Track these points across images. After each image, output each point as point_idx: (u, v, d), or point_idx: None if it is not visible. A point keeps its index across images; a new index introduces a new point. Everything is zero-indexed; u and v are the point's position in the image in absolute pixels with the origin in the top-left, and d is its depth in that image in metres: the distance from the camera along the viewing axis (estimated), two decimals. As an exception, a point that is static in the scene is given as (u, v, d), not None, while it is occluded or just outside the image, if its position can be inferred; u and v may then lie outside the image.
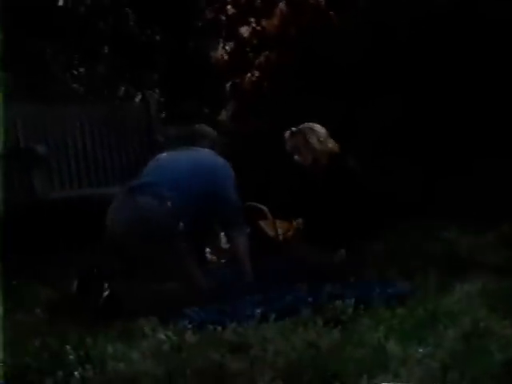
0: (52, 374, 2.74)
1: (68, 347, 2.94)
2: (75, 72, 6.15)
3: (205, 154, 3.89)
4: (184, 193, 3.61)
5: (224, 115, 6.30)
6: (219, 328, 3.15)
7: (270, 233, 4.23)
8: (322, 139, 4.27)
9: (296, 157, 4.31)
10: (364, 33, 5.75)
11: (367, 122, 5.56)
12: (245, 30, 6.31)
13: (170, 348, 2.98)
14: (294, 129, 4.34)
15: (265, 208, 4.18)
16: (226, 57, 6.38)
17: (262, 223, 4.29)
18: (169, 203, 3.55)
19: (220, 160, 3.85)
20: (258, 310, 3.27)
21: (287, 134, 4.34)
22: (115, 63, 6.25)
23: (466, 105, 5.33)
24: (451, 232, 4.58)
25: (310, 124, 4.32)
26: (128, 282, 3.46)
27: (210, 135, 4.15)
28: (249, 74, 6.29)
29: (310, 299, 3.41)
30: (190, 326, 3.20)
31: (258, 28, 6.29)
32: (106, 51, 6.20)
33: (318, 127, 4.32)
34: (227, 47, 6.39)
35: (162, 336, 3.10)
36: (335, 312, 3.25)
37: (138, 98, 6.03)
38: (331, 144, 4.30)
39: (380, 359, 2.72)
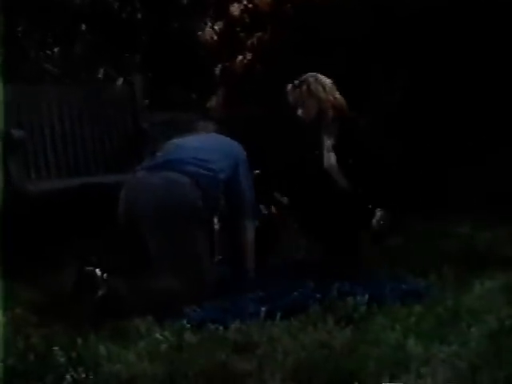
0: (40, 378, 2.74)
1: (56, 348, 2.95)
2: (49, 52, 6.12)
3: (224, 138, 3.96)
4: (210, 173, 3.66)
5: (213, 101, 6.30)
6: (221, 327, 3.17)
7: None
8: (327, 88, 4.28)
9: (300, 111, 4.27)
10: (364, 9, 5.78)
11: (370, 110, 5.59)
12: (235, 8, 6.29)
13: (168, 348, 3.00)
14: (296, 81, 4.33)
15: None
16: (214, 37, 6.37)
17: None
18: (198, 181, 3.59)
19: (237, 144, 3.91)
20: (263, 308, 3.29)
21: (289, 87, 4.33)
22: (93, 43, 6.24)
23: (478, 94, 5.38)
24: (465, 227, 4.63)
25: (314, 73, 4.33)
26: (124, 279, 3.44)
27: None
28: (240, 57, 6.28)
29: (318, 296, 3.43)
30: (188, 325, 3.21)
31: (250, 6, 6.29)
32: (83, 29, 6.18)
33: (322, 77, 4.33)
34: (216, 27, 6.38)
35: (158, 336, 3.12)
36: (347, 310, 3.28)
37: (119, 82, 6.00)
38: (338, 95, 4.30)
39: (400, 358, 2.75)
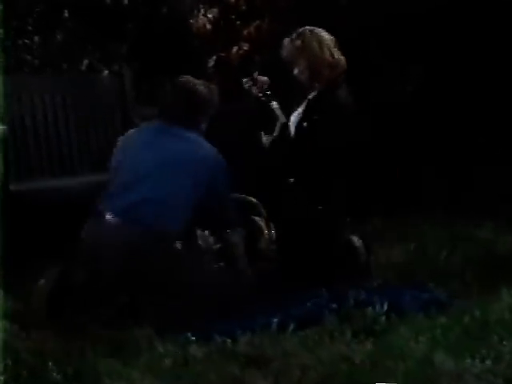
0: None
1: (50, 364, 2.92)
2: (27, 41, 6.08)
3: (191, 144, 3.73)
4: (177, 203, 3.56)
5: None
6: (228, 340, 3.15)
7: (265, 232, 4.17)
8: (324, 45, 4.01)
9: (295, 70, 4.04)
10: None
11: (378, 105, 5.59)
12: (231, -6, 6.30)
13: (173, 363, 2.97)
14: (293, 35, 4.07)
15: (257, 202, 4.12)
16: (208, 26, 6.35)
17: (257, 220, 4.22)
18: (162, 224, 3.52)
19: (209, 150, 3.71)
20: (275, 319, 3.27)
21: (285, 41, 4.09)
22: (76, 31, 6.19)
23: (500, 91, 5.40)
24: (485, 230, 4.62)
25: (312, 27, 4.08)
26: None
27: None
28: (236, 47, 6.26)
29: (333, 306, 3.41)
30: (193, 337, 3.18)
31: (247, -9, 6.29)
32: (66, 16, 6.14)
33: (321, 30, 4.06)
34: (210, 14, 6.35)
35: (160, 349, 3.09)
36: (365, 321, 3.26)
37: (105, 73, 5.95)
38: (337, 55, 4.03)
39: (428, 374, 2.74)
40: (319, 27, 4.83)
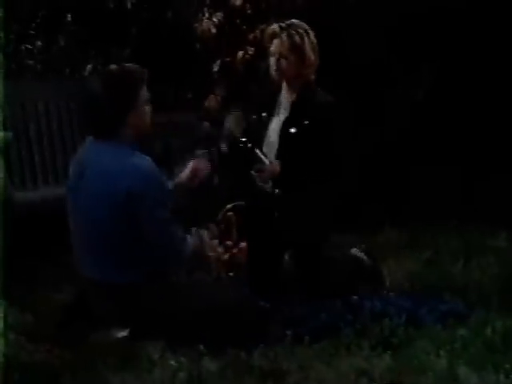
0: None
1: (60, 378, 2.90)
2: (30, 46, 6.06)
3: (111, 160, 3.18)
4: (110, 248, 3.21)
5: (211, 101, 6.25)
6: (242, 352, 3.13)
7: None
8: (312, 42, 3.91)
9: (280, 64, 3.85)
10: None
11: (391, 112, 5.58)
12: (237, -3, 6.27)
13: (187, 377, 2.95)
14: (281, 24, 3.93)
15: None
16: (213, 30, 6.32)
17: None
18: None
19: (129, 163, 3.15)
20: (289, 331, 3.25)
21: (273, 28, 3.94)
22: (78, 36, 6.17)
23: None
24: (500, 239, 4.61)
25: (300, 22, 3.96)
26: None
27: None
28: (241, 52, 6.23)
29: (349, 317, 3.39)
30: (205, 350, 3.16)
31: (253, -6, 6.27)
32: (68, 20, 6.12)
33: (307, 27, 3.95)
34: (215, 18, 6.33)
35: (173, 363, 3.06)
36: (383, 333, 3.24)
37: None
38: (316, 53, 3.93)
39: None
40: (327, 30, 4.83)
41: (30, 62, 5.97)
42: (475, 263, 4.17)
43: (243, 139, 3.96)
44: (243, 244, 4.08)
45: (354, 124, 4.92)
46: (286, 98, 3.95)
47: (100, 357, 3.09)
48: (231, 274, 4.06)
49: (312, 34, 3.94)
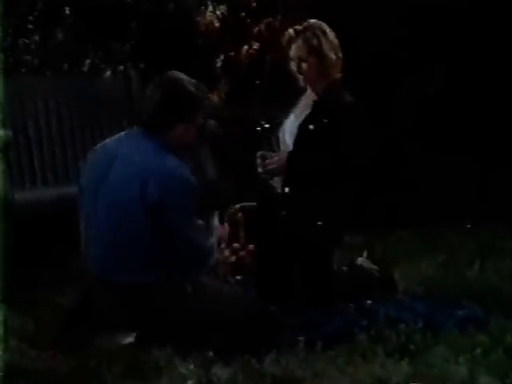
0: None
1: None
2: (27, 40, 6.04)
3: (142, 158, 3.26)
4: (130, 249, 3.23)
5: (214, 97, 6.24)
6: (253, 359, 3.10)
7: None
8: (331, 42, 3.88)
9: (301, 68, 3.85)
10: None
11: (400, 111, 5.57)
12: (241, -10, 6.26)
13: (196, 385, 2.93)
14: (297, 28, 3.93)
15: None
16: (216, 24, 6.32)
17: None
18: None
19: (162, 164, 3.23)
20: (301, 337, 3.22)
21: (290, 32, 3.92)
22: (77, 30, 6.15)
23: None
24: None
25: (319, 22, 3.93)
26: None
27: None
28: (245, 46, 6.23)
29: (363, 323, 3.37)
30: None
31: (258, -13, 6.26)
32: (67, 14, 6.09)
33: (327, 27, 3.92)
34: (218, 11, 6.33)
35: (182, 370, 3.04)
36: (399, 339, 3.22)
37: (107, 74, 5.92)
38: (340, 54, 3.91)
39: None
40: (335, 24, 4.80)
41: (28, 57, 5.96)
42: (492, 266, 4.15)
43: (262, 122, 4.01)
44: (251, 246, 4.08)
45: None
46: (308, 97, 3.96)
47: (105, 364, 3.06)
48: (239, 277, 4.08)
49: (331, 33, 3.93)
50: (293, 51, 3.93)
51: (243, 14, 6.32)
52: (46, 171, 4.83)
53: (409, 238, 4.75)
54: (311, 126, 3.85)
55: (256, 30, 6.24)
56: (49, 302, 3.86)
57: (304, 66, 3.89)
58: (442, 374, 2.90)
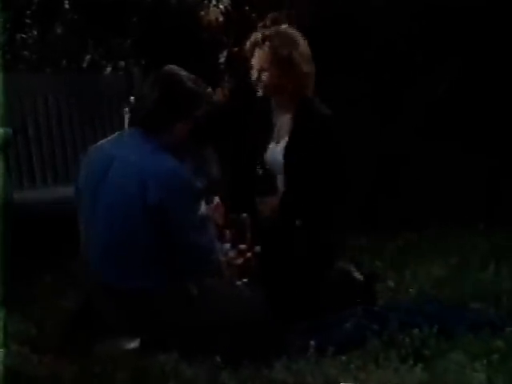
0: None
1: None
2: (25, 36, 6.03)
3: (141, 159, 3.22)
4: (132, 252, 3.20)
5: (218, 94, 6.22)
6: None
7: None
8: (298, 51, 3.63)
9: (264, 80, 3.65)
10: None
11: (411, 110, 5.55)
12: (245, -17, 6.23)
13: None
14: (265, 32, 3.72)
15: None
16: (220, 18, 6.30)
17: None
18: None
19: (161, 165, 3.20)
20: (313, 342, 3.20)
21: (253, 39, 3.73)
22: (76, 24, 6.14)
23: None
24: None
25: (283, 27, 3.77)
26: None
27: None
28: (250, 41, 6.21)
29: (375, 327, 3.34)
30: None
31: (263, -20, 6.23)
32: (66, 8, 6.08)
33: (293, 32, 3.70)
34: (222, 5, 6.31)
35: (187, 376, 3.02)
36: (413, 344, 3.19)
37: (108, 70, 5.91)
38: (311, 62, 3.66)
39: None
40: (342, 18, 4.77)
41: (26, 53, 5.96)
42: (506, 268, 4.12)
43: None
44: (257, 248, 4.05)
45: (374, 122, 4.89)
46: (280, 119, 3.77)
47: (109, 369, 3.04)
48: (245, 280, 4.05)
49: (303, 42, 3.70)
50: (255, 58, 3.73)
51: (248, 8, 6.30)
52: (46, 171, 4.83)
53: (417, 240, 4.72)
54: (295, 158, 3.69)
55: (261, 24, 6.21)
56: (50, 305, 3.83)
57: (264, 76, 3.69)
58: (458, 380, 2.87)
